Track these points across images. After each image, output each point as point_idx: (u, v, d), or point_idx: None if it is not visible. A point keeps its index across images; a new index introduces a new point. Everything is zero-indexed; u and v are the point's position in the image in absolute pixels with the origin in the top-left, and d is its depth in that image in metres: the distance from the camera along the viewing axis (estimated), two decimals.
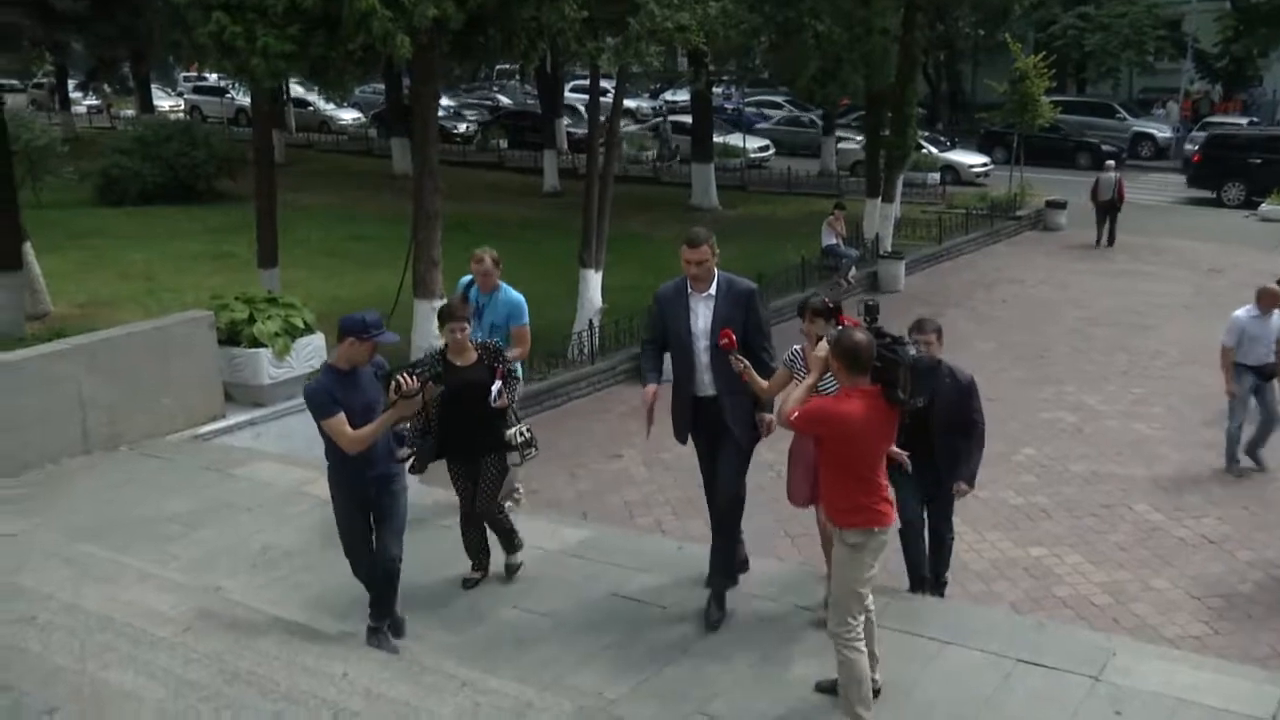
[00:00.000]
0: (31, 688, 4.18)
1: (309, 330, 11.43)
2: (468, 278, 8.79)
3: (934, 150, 32.47)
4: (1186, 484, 12.05)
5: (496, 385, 6.97)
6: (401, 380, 6.13)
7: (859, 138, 31.24)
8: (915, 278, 22.14)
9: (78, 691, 4.21)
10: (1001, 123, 29.85)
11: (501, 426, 7.18)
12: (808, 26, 19.78)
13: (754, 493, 7.21)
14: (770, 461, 8.65)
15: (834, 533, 5.75)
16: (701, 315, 6.79)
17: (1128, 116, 39.71)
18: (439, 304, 14.06)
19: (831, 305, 6.50)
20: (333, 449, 6.29)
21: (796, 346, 6.72)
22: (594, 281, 16.60)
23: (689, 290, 6.83)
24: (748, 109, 40.70)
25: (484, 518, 7.36)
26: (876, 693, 5.91)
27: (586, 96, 41.75)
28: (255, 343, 10.97)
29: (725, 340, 6.42)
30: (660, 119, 39.03)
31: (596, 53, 14.08)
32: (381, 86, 38.05)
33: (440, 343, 7.38)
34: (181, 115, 41.07)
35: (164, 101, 45.42)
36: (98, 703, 4.17)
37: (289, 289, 14.48)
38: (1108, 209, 25.13)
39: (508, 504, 8.19)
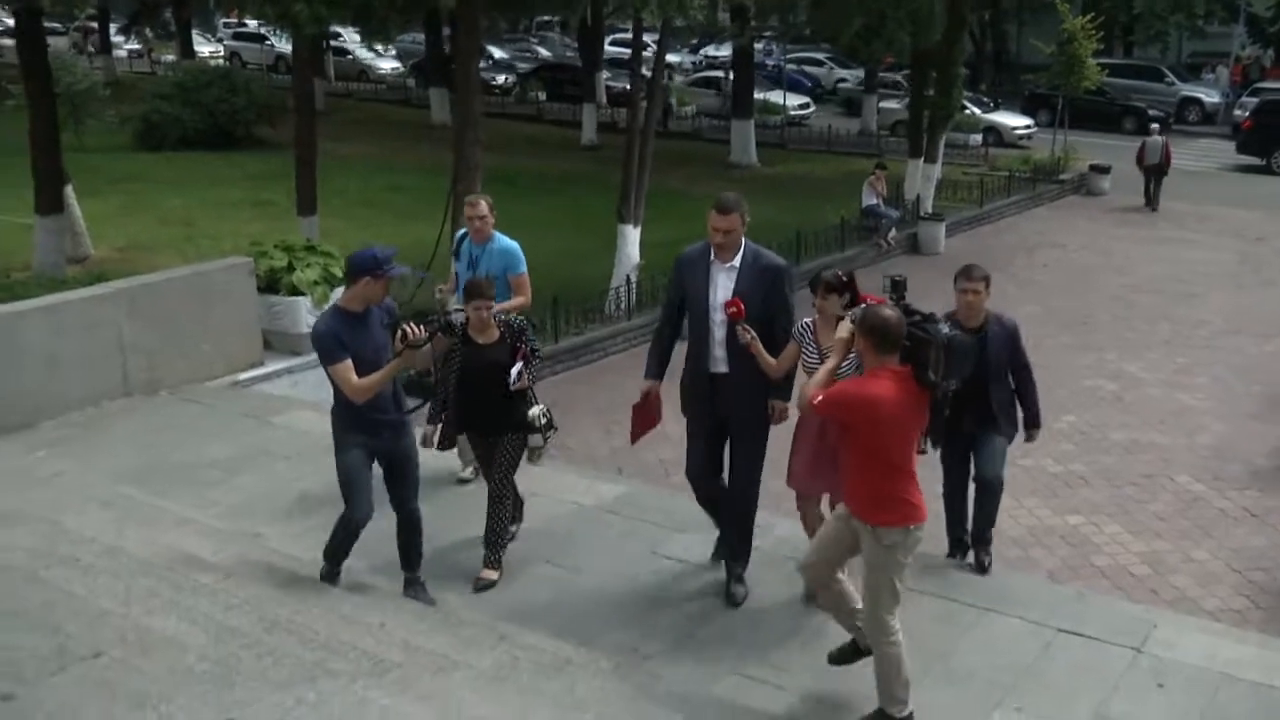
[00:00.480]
0: (77, 630, 4.19)
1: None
2: (462, 231, 8.39)
3: (977, 111, 32.03)
4: (1229, 456, 11.89)
5: (517, 367, 6.67)
6: (409, 329, 5.93)
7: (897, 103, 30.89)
8: (955, 240, 21.92)
9: (122, 636, 4.22)
10: (1047, 85, 29.34)
11: (523, 406, 6.80)
12: None
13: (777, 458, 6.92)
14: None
15: (863, 529, 5.31)
16: (722, 287, 6.32)
17: (1176, 81, 39.04)
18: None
19: (845, 278, 6.13)
20: (340, 395, 6.13)
21: (806, 320, 6.30)
22: (632, 237, 16.51)
23: (711, 258, 6.38)
24: (788, 66, 40.20)
25: (491, 497, 6.93)
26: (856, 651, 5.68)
27: (626, 50, 41.99)
28: (294, 291, 10.99)
29: (733, 309, 6.08)
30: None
31: (641, 5, 13.92)
32: (421, 36, 37.85)
33: (458, 315, 7.05)
34: (221, 61, 41.00)
35: (204, 47, 45.37)
36: (141, 648, 4.17)
37: (326, 239, 14.44)
38: (1155, 173, 24.99)
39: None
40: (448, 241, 14.17)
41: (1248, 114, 31.08)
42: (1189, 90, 38.63)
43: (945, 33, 20.92)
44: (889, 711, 5.37)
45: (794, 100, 35.64)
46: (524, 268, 8.19)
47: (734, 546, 6.78)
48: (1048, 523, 10.27)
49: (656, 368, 6.70)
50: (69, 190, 16.76)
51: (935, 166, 23.02)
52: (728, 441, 6.67)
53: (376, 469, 6.39)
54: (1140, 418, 12.99)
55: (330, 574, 6.39)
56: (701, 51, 48.32)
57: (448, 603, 6.53)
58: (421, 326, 5.99)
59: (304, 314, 10.97)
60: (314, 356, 10.08)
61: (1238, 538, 10.05)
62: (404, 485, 6.42)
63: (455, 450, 7.65)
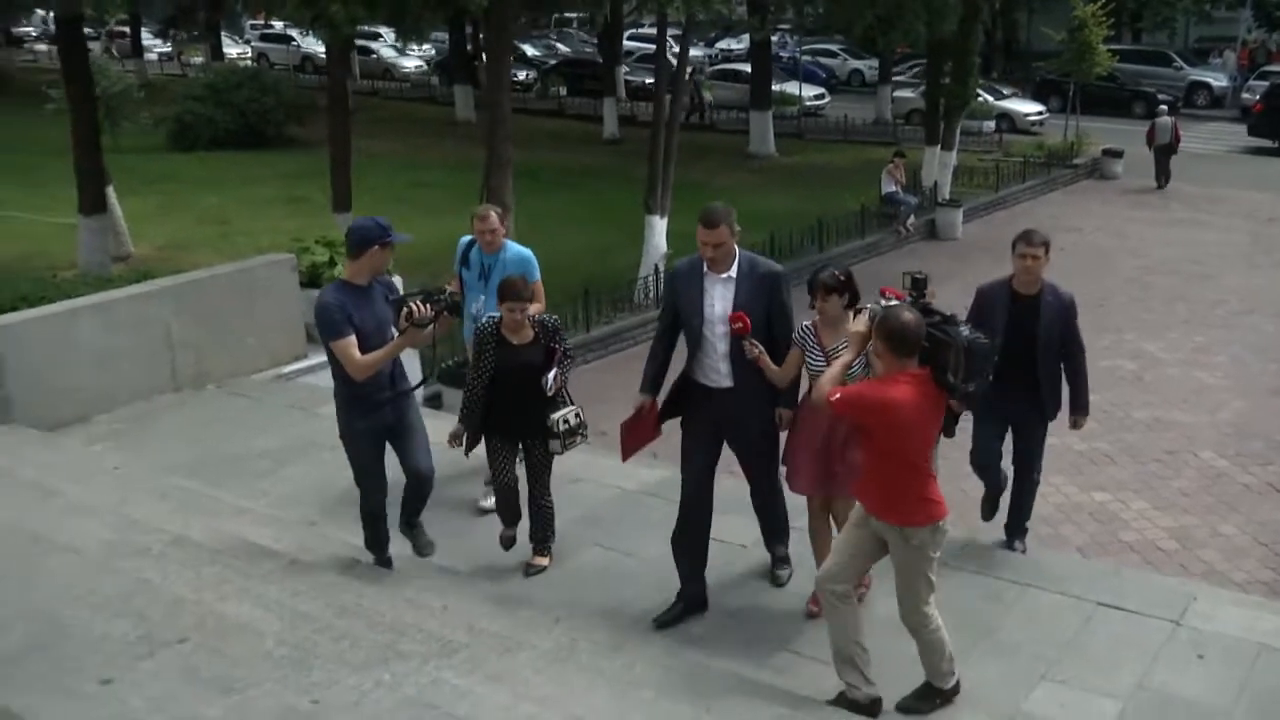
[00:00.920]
0: (159, 617, 4.22)
1: (387, 274, 11.42)
2: (467, 238, 7.81)
3: (989, 99, 31.89)
4: (1250, 432, 11.84)
5: (553, 373, 6.42)
6: (415, 307, 5.71)
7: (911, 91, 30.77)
8: (973, 225, 21.83)
9: (201, 622, 4.25)
10: (1058, 71, 29.21)
11: (550, 409, 6.48)
12: None
13: None
14: None
15: (889, 531, 5.16)
16: (719, 299, 6.00)
17: (1184, 65, 38.81)
18: None
19: (843, 278, 5.84)
20: (340, 376, 5.94)
21: (806, 323, 5.99)
22: (659, 227, 16.50)
23: (705, 271, 6.04)
24: (803, 57, 40.05)
25: (532, 503, 6.80)
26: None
27: (641, 44, 41.88)
28: None
29: (739, 324, 5.80)
30: (694, 70, 38.05)
31: (666, 1, 13.89)
32: (442, 34, 37.82)
33: (449, 287, 6.78)
34: (249, 62, 41.08)
35: (232, 49, 45.48)
36: (220, 633, 4.20)
37: None
38: (1164, 152, 25.06)
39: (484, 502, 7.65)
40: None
41: (1259, 98, 30.83)
42: (1197, 75, 38.41)
43: (961, 22, 20.81)
44: (936, 684, 5.38)
45: (809, 91, 35.52)
46: (538, 275, 7.66)
47: (773, 532, 6.65)
48: (1075, 500, 10.24)
49: (651, 383, 6.37)
50: (110, 190, 16.83)
51: (952, 154, 22.95)
52: (725, 452, 6.39)
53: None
54: (1161, 396, 12.94)
55: (382, 562, 6.40)
56: (717, 45, 48.18)
57: (503, 587, 6.57)
58: (427, 305, 5.78)
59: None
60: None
61: (1263, 512, 10.00)
62: (412, 449, 6.20)
63: (480, 462, 7.25)
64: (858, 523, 5.32)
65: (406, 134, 30.72)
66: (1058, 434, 10.91)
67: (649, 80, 36.08)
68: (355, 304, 5.81)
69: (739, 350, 5.90)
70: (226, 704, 3.62)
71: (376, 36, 42.53)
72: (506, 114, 13.71)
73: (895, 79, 35.53)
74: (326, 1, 11.57)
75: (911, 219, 20.65)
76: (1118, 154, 26.66)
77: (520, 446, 6.71)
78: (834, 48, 43.38)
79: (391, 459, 6.25)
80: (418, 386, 6.40)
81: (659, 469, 8.74)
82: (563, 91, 37.14)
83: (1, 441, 7.83)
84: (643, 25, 37.87)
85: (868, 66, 41.10)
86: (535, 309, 7.45)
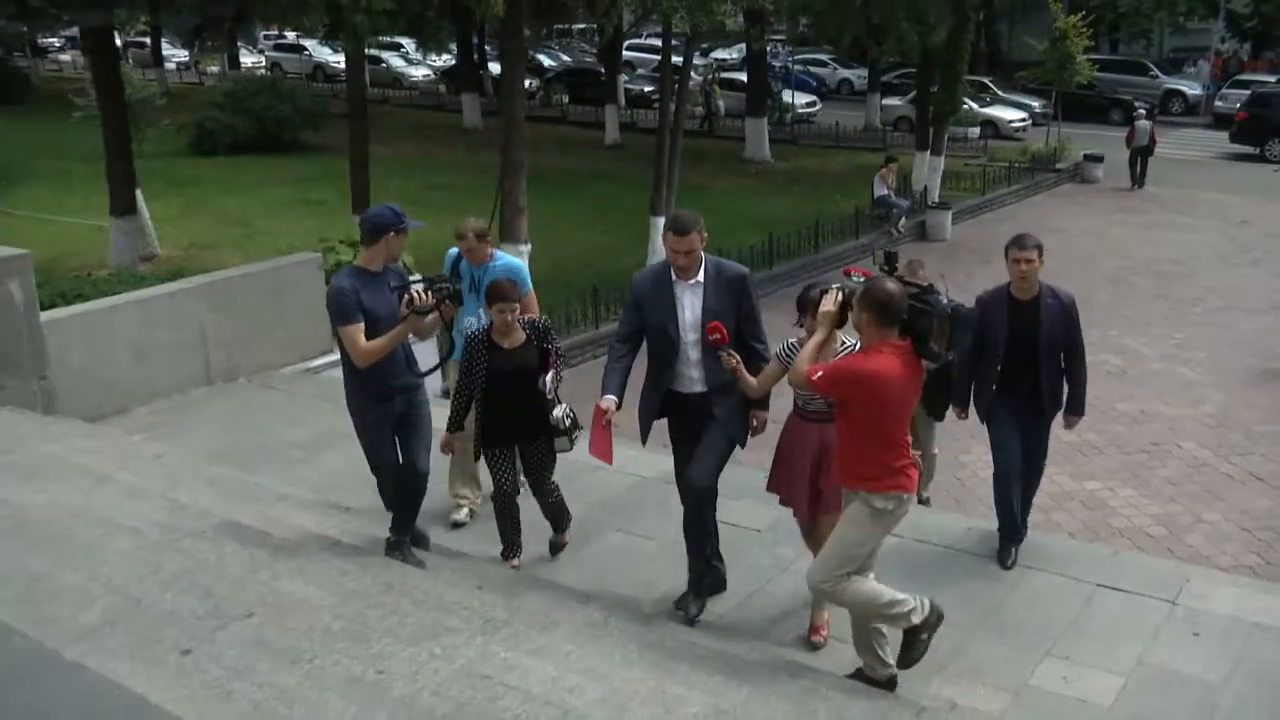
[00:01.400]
0: (225, 593, 4.28)
1: (408, 271, 11.47)
2: (454, 250, 7.33)
3: (974, 106, 31.96)
4: (1230, 423, 11.95)
5: (550, 375, 6.16)
6: (416, 295, 5.51)
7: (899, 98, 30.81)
8: (961, 227, 21.93)
9: (263, 598, 4.31)
10: (1040, 80, 29.30)
11: (546, 409, 6.19)
12: None
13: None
14: None
15: (854, 495, 4.97)
16: (689, 306, 5.73)
17: (1160, 74, 38.90)
18: (524, 248, 14.17)
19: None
20: (351, 364, 5.74)
21: (791, 339, 5.66)
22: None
23: (673, 278, 5.73)
24: (795, 67, 40.11)
25: (540, 501, 6.57)
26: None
27: (639, 55, 41.94)
28: None
29: (716, 335, 5.52)
30: (703, 79, 38.12)
31: (672, 11, 13.95)
32: (451, 44, 37.85)
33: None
34: (264, 71, 41.09)
35: (246, 58, 45.48)
36: (281, 608, 4.26)
37: None
38: (1142, 153, 25.51)
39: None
40: (497, 234, 14.30)
41: (1241, 106, 30.83)
42: (1172, 83, 38.47)
43: (950, 32, 20.90)
44: (869, 667, 5.19)
45: (802, 99, 35.59)
46: (530, 285, 7.31)
47: (694, 561, 6.12)
48: (1067, 488, 10.32)
49: (616, 384, 5.88)
50: (138, 193, 16.87)
51: (940, 158, 23.03)
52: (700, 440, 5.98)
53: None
54: (1145, 389, 13.04)
55: (414, 541, 6.20)
56: (712, 55, 48.20)
57: (531, 569, 6.60)
58: (429, 293, 5.58)
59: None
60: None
61: (1244, 499, 10.10)
62: (416, 443, 6.02)
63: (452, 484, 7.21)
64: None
65: (417, 140, 30.73)
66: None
67: (648, 88, 36.27)
68: (369, 290, 5.66)
69: (711, 356, 5.66)
70: (299, 672, 3.68)
71: (398, 47, 42.49)
72: (520, 120, 13.77)
73: (885, 82, 35.55)
74: (350, 12, 11.61)
75: (903, 221, 20.74)
76: (1098, 159, 26.78)
77: (517, 451, 6.43)
78: (824, 57, 43.41)
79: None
80: (430, 372, 6.19)
81: (671, 458, 8.81)
82: (565, 99, 37.11)
83: (50, 431, 7.87)
84: (641, 36, 37.85)
85: (856, 75, 41.18)
86: (530, 318, 7.11)
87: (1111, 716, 5.30)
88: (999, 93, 33.77)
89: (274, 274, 10.85)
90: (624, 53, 38.40)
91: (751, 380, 5.61)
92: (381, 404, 5.85)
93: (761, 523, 7.19)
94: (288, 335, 10.73)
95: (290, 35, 45.28)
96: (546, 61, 42.88)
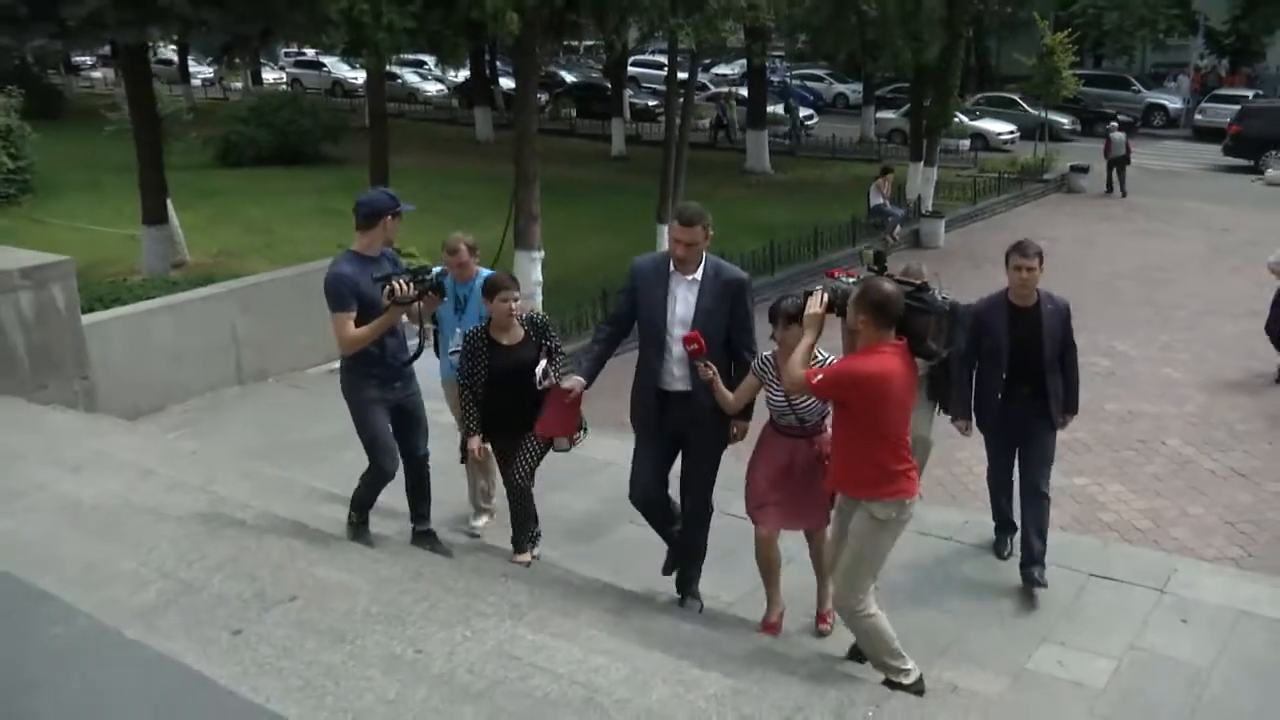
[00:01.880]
0: (268, 578, 4.35)
1: (414, 259, 11.54)
2: (438, 268, 6.62)
3: (965, 119, 32.00)
4: (1214, 422, 11.96)
5: (542, 365, 5.87)
6: (398, 286, 5.32)
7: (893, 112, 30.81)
8: (953, 235, 21.97)
9: (303, 583, 4.37)
10: (1028, 93, 29.37)
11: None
12: (851, 4, 19.62)
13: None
14: None
15: (855, 505, 4.77)
16: (682, 301, 5.45)
17: (1142, 89, 39.00)
18: (537, 255, 14.24)
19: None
20: (356, 353, 5.61)
21: (767, 353, 5.49)
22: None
23: (670, 270, 5.47)
24: (793, 81, 40.24)
25: (512, 492, 6.23)
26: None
27: (645, 70, 41.97)
28: None
29: (694, 346, 5.26)
30: (722, 93, 37.98)
31: (678, 28, 14.01)
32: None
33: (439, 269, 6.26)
34: (285, 87, 41.19)
35: (268, 74, 45.60)
36: (321, 593, 4.32)
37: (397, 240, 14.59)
38: (1119, 163, 25.83)
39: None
40: (511, 242, 14.38)
41: (1232, 120, 30.66)
42: (1154, 97, 38.56)
43: (943, 49, 20.98)
44: (894, 680, 4.83)
45: (800, 112, 35.59)
46: None
47: (687, 554, 6.01)
48: (1057, 484, 10.13)
49: (591, 366, 5.71)
50: (169, 203, 16.95)
51: (933, 169, 23.10)
52: (679, 457, 5.82)
53: None
54: (1132, 390, 13.06)
55: (360, 521, 5.97)
56: (712, 70, 48.29)
57: (548, 559, 6.64)
58: (411, 284, 5.39)
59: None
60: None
61: (1227, 494, 10.11)
62: (414, 433, 5.91)
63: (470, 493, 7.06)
64: (842, 522, 4.94)
65: (432, 152, 30.79)
66: None
67: (652, 103, 36.34)
68: (364, 276, 5.49)
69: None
70: (344, 652, 3.74)
71: (421, 64, 42.51)
72: (533, 133, 13.84)
73: (879, 96, 35.62)
74: (372, 30, 11.68)
75: (898, 229, 20.79)
76: (1084, 169, 26.82)
77: (518, 443, 6.15)
78: (820, 72, 43.49)
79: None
80: (414, 358, 5.93)
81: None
82: (573, 113, 37.19)
83: (92, 428, 7.95)
84: (646, 52, 37.90)
85: (852, 90, 41.26)
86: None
87: (1104, 698, 5.36)
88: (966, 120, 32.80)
89: (300, 279, 10.90)
90: (629, 68, 38.50)
91: (728, 394, 5.39)
92: (378, 388, 5.71)
93: None
94: (313, 338, 10.77)
95: (310, 52, 45.38)
96: (569, 77, 42.88)
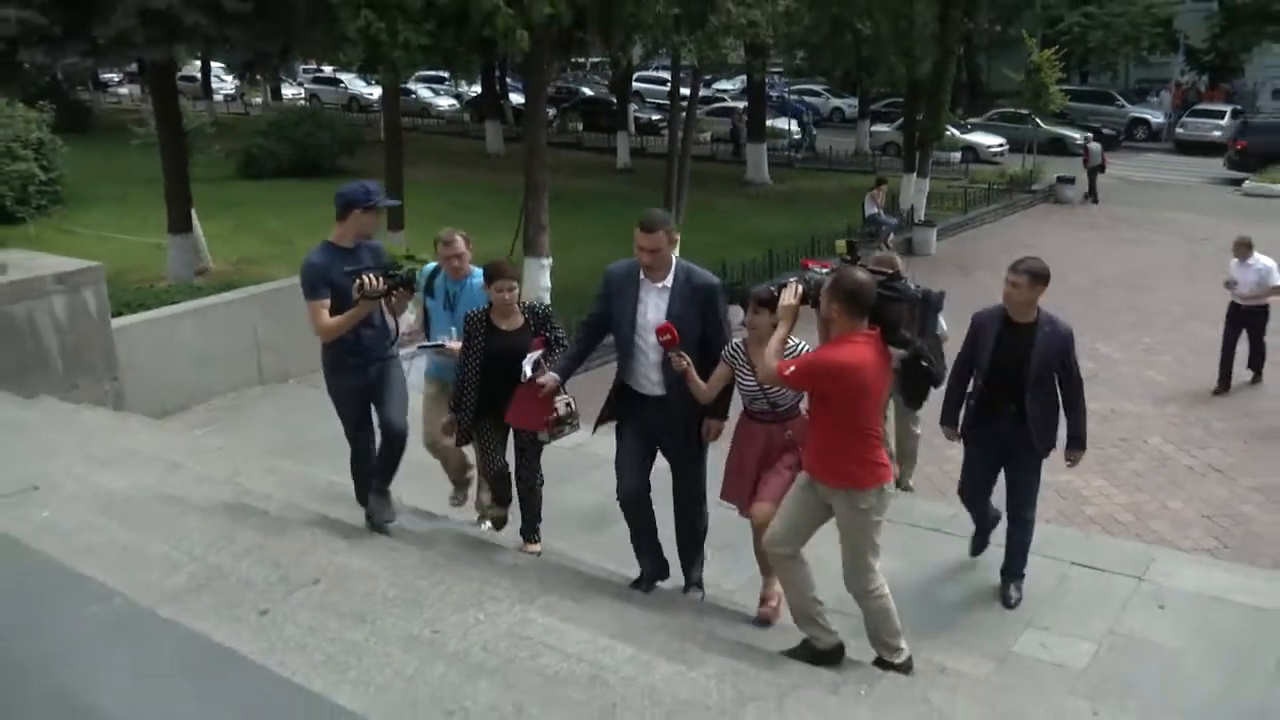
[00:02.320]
0: (291, 563, 4.42)
1: (409, 256, 11.62)
2: (431, 265, 6.74)
3: (956, 133, 32.07)
4: (1192, 421, 12.03)
5: (533, 356, 5.64)
6: (367, 280, 5.18)
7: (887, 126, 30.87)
8: (945, 243, 22.04)
9: (324, 569, 4.43)
10: (1017, 108, 29.45)
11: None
12: (847, 22, 19.71)
13: None
14: None
15: (834, 496, 4.63)
16: (652, 308, 5.29)
17: (1125, 104, 39.08)
18: (546, 262, 14.32)
19: (777, 292, 4.87)
20: (333, 341, 5.53)
21: (737, 340, 5.35)
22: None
23: (641, 278, 5.30)
24: (791, 96, 40.29)
25: (520, 490, 6.16)
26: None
27: (648, 85, 42.07)
28: None
29: (666, 336, 5.10)
30: (801, 108, 37.41)
31: (681, 45, 14.10)
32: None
33: (430, 264, 6.37)
34: (303, 102, 41.32)
35: (287, 90, 45.72)
36: (342, 577, 4.39)
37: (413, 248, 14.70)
38: (1096, 172, 26.37)
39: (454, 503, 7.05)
40: (521, 249, 14.46)
41: (1235, 135, 30.63)
42: (1137, 112, 38.67)
43: (935, 65, 21.07)
44: (887, 658, 4.84)
45: (798, 126, 35.72)
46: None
47: (688, 550, 5.93)
48: (1043, 479, 10.33)
49: (563, 370, 5.61)
50: (193, 213, 17.06)
51: (926, 180, 23.19)
52: (660, 460, 5.70)
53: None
54: (1115, 390, 13.12)
55: (362, 496, 6.02)
56: (713, 86, 48.37)
57: (557, 549, 6.68)
58: (380, 279, 5.25)
59: (405, 313, 11.17)
60: (413, 346, 9.50)
61: (1204, 490, 10.18)
62: (389, 403, 5.71)
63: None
64: (803, 485, 4.79)
65: (445, 164, 30.89)
66: None
67: (655, 117, 36.44)
68: (338, 266, 5.38)
69: (671, 361, 5.23)
70: (365, 631, 3.82)
71: (441, 80, 42.54)
72: (542, 145, 13.93)
73: (874, 110, 35.69)
74: (390, 47, 11.78)
75: (892, 237, 20.79)
76: (1070, 180, 26.93)
77: (511, 432, 6.06)
78: (818, 88, 43.57)
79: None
80: (395, 341, 5.84)
81: None
82: (580, 127, 37.29)
83: (122, 425, 8.04)
84: (650, 68, 38.02)
85: (847, 104, 41.32)
86: None
87: (1085, 678, 5.42)
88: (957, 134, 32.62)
89: None
90: (634, 84, 38.61)
91: (702, 384, 5.25)
92: (353, 371, 5.64)
93: None
94: None
95: (327, 69, 45.54)
96: (587, 91, 42.92)
